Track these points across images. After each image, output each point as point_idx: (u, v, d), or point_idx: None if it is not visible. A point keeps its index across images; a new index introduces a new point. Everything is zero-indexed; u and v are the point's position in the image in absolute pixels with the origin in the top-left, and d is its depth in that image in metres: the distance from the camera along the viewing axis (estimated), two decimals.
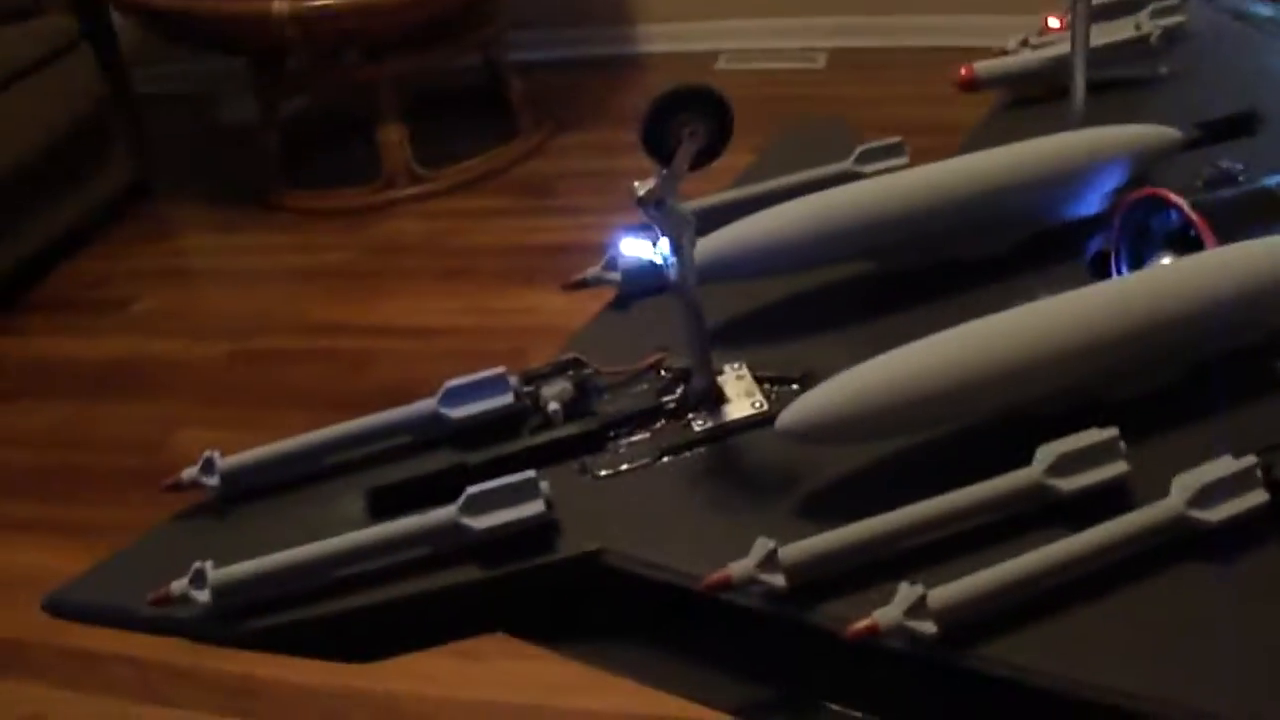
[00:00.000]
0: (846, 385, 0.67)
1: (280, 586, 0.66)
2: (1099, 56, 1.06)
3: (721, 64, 3.38)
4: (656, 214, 0.68)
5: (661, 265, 0.72)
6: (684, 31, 3.46)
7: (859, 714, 0.67)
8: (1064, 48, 1.06)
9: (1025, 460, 0.66)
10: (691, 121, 0.68)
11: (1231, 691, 0.57)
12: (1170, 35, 1.16)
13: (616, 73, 3.44)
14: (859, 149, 1.00)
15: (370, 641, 0.71)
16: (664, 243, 0.70)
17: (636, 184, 0.68)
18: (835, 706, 0.67)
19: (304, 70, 2.89)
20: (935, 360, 0.68)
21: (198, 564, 0.65)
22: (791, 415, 0.67)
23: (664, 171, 0.68)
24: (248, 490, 0.75)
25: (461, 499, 0.67)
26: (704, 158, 0.69)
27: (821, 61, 3.33)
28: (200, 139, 3.46)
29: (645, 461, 0.73)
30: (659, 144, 0.68)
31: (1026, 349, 0.69)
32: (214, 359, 2.43)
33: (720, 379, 0.78)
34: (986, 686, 0.60)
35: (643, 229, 0.75)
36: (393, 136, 2.83)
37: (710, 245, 0.81)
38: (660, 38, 3.48)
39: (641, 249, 0.75)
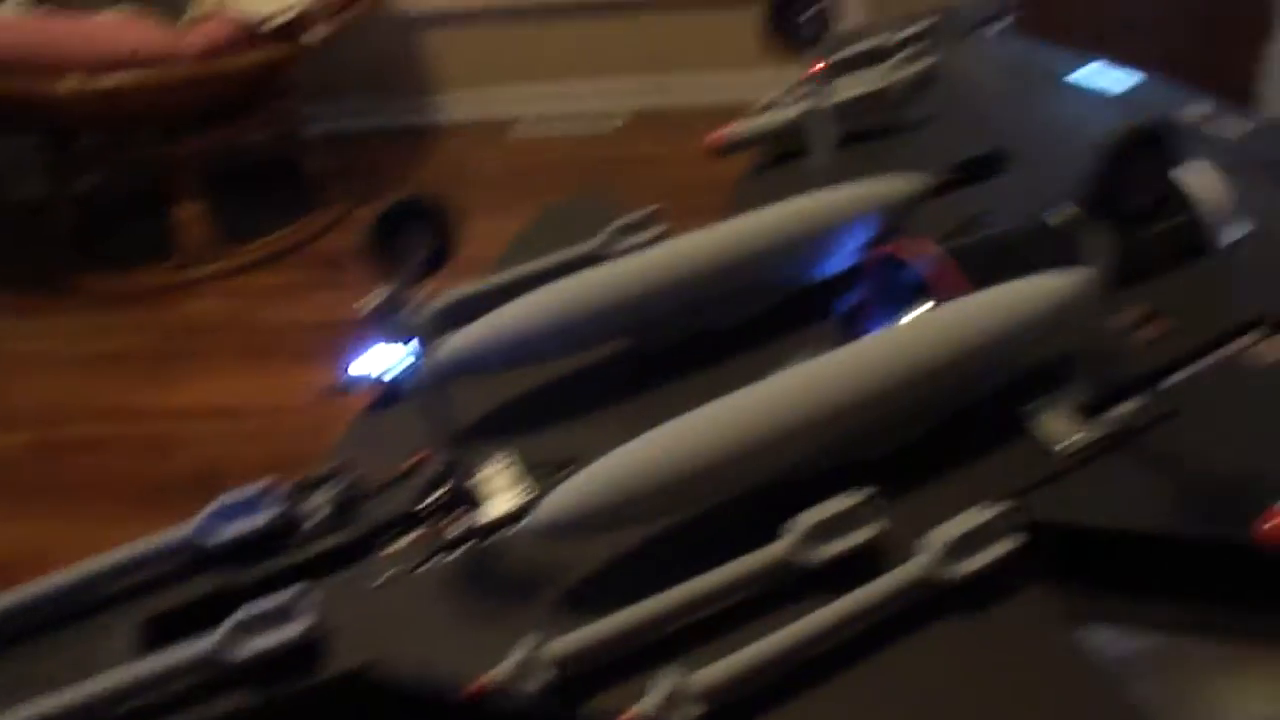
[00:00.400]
0: (595, 478, 0.68)
1: None
2: (846, 109, 1.09)
3: (519, 131, 3.40)
4: (388, 327, 0.69)
5: (410, 367, 0.73)
6: (481, 98, 3.47)
7: None
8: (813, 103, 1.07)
9: (781, 531, 0.67)
10: (417, 232, 0.69)
11: None
12: (920, 79, 1.19)
13: (415, 142, 3.43)
14: (613, 225, 1.00)
15: None
16: (397, 350, 0.71)
17: (358, 304, 0.69)
18: None
19: (95, 148, 2.81)
20: (682, 445, 0.69)
21: None
22: (540, 516, 0.68)
23: (389, 287, 0.69)
24: (13, 631, 0.72)
25: (224, 626, 0.66)
26: (433, 265, 0.71)
27: (621, 123, 3.38)
28: None
29: (411, 567, 0.74)
30: (386, 257, 0.69)
31: (777, 422, 0.71)
32: (13, 450, 2.34)
33: (488, 472, 0.78)
34: None
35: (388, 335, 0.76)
36: (190, 213, 2.76)
37: (462, 340, 0.82)
38: (458, 105, 3.49)
39: (390, 355, 0.75)
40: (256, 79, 2.73)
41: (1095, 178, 0.68)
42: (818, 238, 0.92)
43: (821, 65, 1.00)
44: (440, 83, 3.50)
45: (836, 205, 0.93)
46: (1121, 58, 1.24)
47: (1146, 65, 1.21)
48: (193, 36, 2.54)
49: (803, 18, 0.97)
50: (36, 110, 2.59)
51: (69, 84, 2.45)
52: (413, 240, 0.68)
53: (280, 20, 2.56)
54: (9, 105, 2.57)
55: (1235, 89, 1.99)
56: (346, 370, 0.86)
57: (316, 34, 2.61)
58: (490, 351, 0.84)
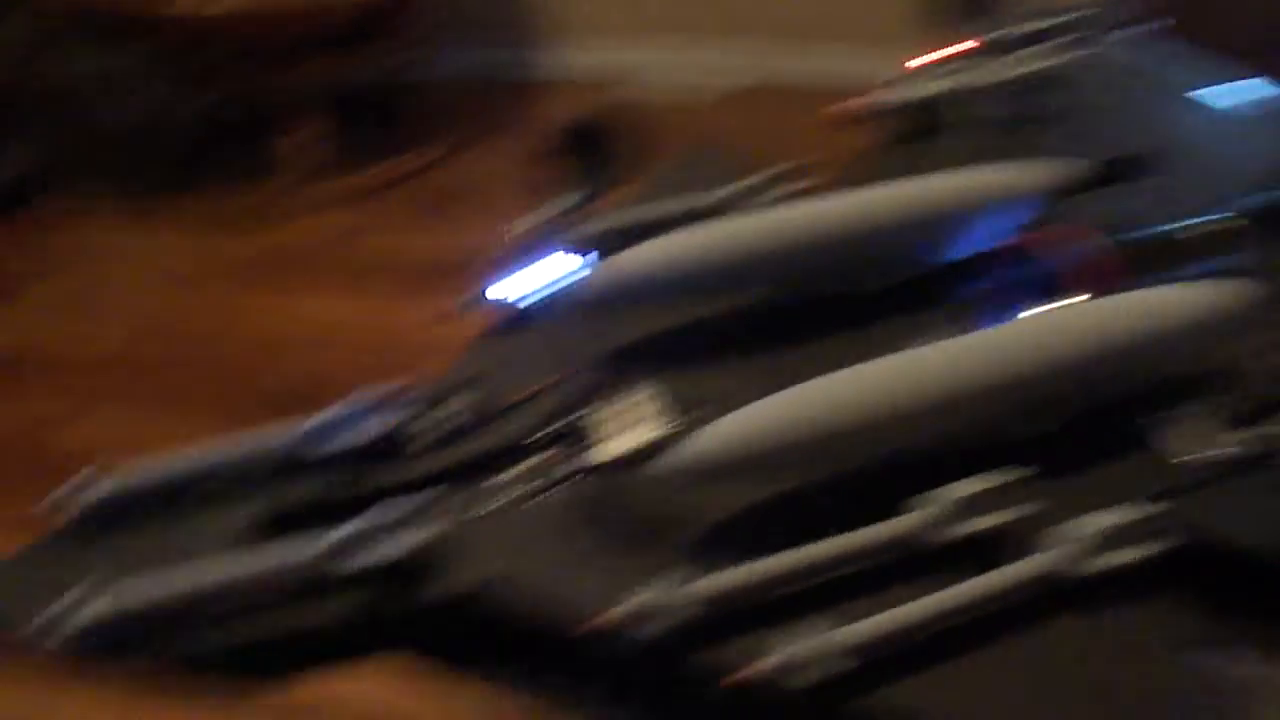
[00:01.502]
0: (734, 426, 0.67)
1: (175, 612, 0.64)
2: (1001, 90, 1.07)
3: (627, 91, 3.37)
4: (573, 234, 0.68)
5: (561, 291, 0.72)
6: (593, 53, 3.46)
7: None
8: (947, 83, 1.06)
9: (919, 504, 0.66)
10: (601, 149, 0.68)
11: None
12: (1073, 70, 1.15)
13: (523, 92, 3.43)
14: (766, 172, 0.98)
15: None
16: (572, 261, 0.70)
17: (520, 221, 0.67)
18: None
19: (208, 70, 2.85)
20: (823, 405, 0.68)
21: (85, 584, 0.63)
22: (685, 454, 0.67)
23: (563, 199, 0.68)
24: (134, 507, 0.72)
25: (335, 534, 0.65)
26: (602, 187, 0.69)
27: (734, 91, 3.34)
28: (106, 134, 3.37)
29: (531, 493, 0.72)
30: (571, 167, 0.68)
31: (926, 391, 0.69)
32: (112, 352, 2.37)
33: (616, 407, 0.76)
34: None
35: (540, 251, 0.74)
36: (298, 139, 2.79)
37: (627, 262, 0.80)
38: (570, 58, 3.48)
39: (559, 266, 0.74)
40: (370, 13, 2.75)
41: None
42: (974, 210, 0.89)
43: (975, 44, 0.97)
44: (553, 35, 3.49)
45: (996, 181, 0.91)
46: None
47: None
48: None
49: None
50: (151, 30, 2.63)
51: (184, 4, 2.47)
52: (596, 156, 0.67)
53: None
54: (126, 23, 2.62)
55: None
56: (484, 291, 0.84)
57: None
58: (653, 278, 0.82)
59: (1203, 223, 0.84)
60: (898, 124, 1.15)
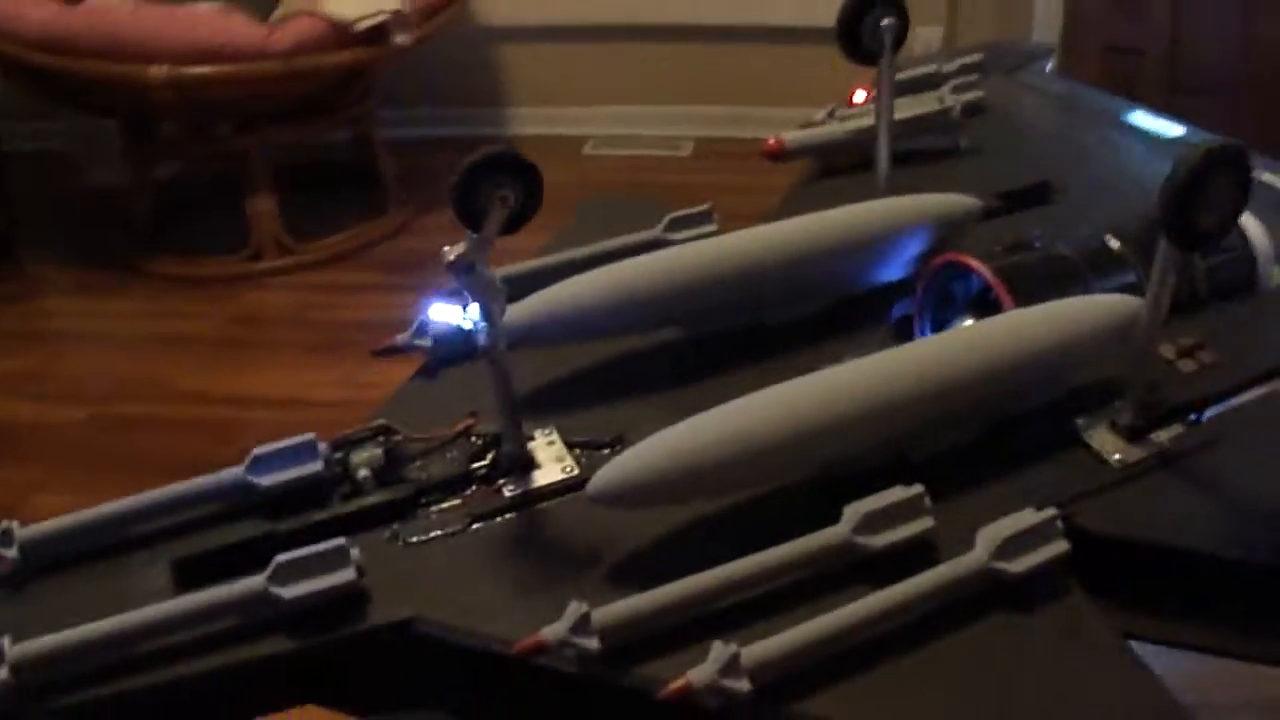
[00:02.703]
0: (656, 449, 0.68)
1: (83, 661, 0.64)
2: (902, 129, 1.11)
3: (589, 149, 3.43)
4: (466, 279, 0.69)
5: (471, 330, 0.72)
6: (554, 115, 3.50)
7: None
8: (869, 120, 1.09)
9: (833, 519, 0.67)
10: (502, 187, 0.69)
11: None
12: (970, 109, 1.21)
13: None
14: (667, 217, 1.01)
15: (176, 715, 0.68)
16: (474, 307, 0.70)
17: (446, 248, 0.68)
18: None
19: (177, 137, 2.85)
20: (744, 423, 0.69)
21: None
22: (602, 479, 0.68)
23: (474, 236, 0.68)
24: (49, 562, 0.72)
25: (270, 568, 0.65)
26: (515, 223, 0.70)
27: (688, 149, 3.41)
28: (67, 200, 3.39)
29: (456, 528, 0.73)
30: (471, 209, 0.68)
31: (832, 410, 0.71)
32: (73, 424, 2.36)
33: (531, 445, 0.78)
34: None
35: (453, 294, 0.75)
36: (263, 207, 2.80)
37: (519, 311, 0.82)
38: (530, 120, 3.52)
39: (450, 314, 0.75)
40: (340, 80, 2.76)
41: (1171, 196, 0.67)
42: (872, 244, 0.92)
43: (882, 85, 1.02)
44: (515, 97, 3.53)
45: (894, 213, 0.93)
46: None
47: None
48: (282, 34, 2.58)
49: (877, 25, 0.99)
50: (125, 95, 2.64)
51: (158, 72, 2.50)
52: (497, 194, 0.68)
53: (370, 23, 2.58)
54: (100, 89, 2.63)
55: None
56: (412, 331, 0.86)
57: (404, 39, 2.63)
58: (549, 324, 0.83)
59: (1091, 245, 0.87)
60: (821, 162, 1.19)
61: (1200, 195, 0.67)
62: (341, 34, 2.59)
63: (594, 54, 3.44)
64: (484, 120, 3.53)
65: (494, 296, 0.70)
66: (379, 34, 2.61)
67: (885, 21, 0.98)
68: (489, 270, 0.69)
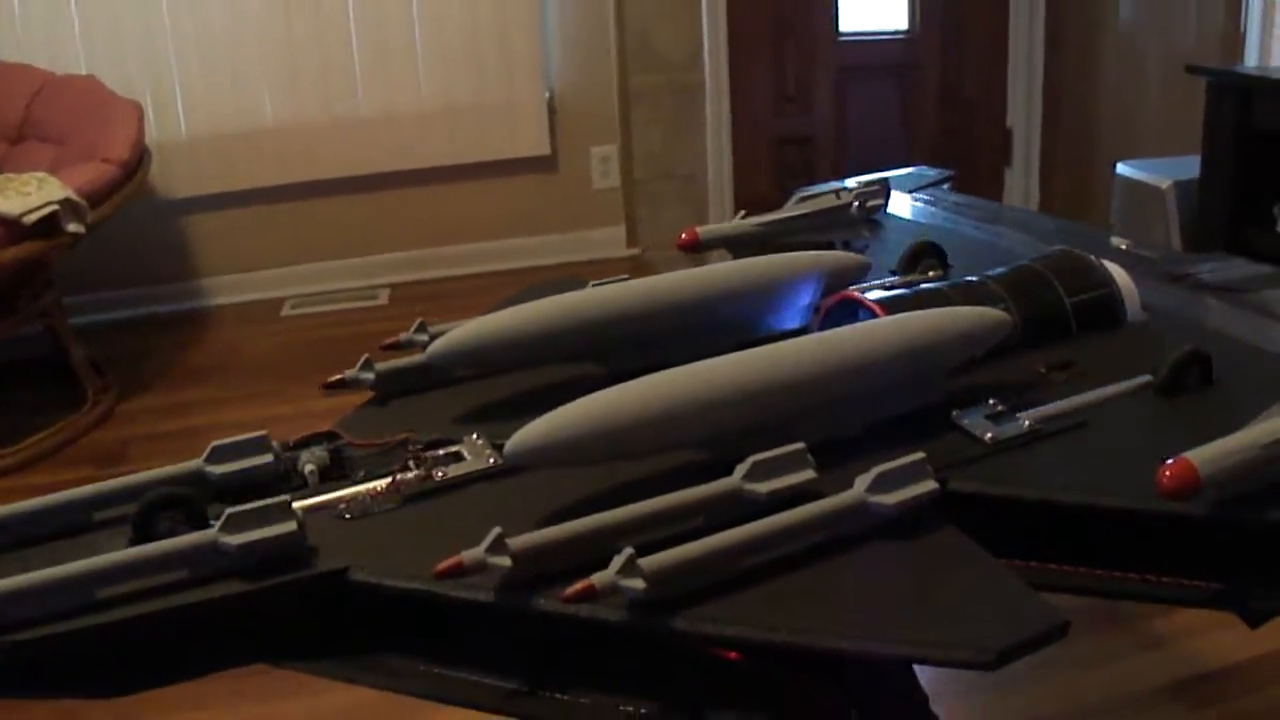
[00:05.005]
0: (562, 414, 0.77)
1: (40, 603, 0.69)
2: (807, 223, 1.28)
3: (288, 309, 3.47)
4: None
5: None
6: (249, 281, 3.55)
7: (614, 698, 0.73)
8: (776, 214, 1.26)
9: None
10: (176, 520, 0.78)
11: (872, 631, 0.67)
12: (870, 213, 1.39)
13: (184, 329, 3.42)
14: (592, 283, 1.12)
15: (129, 668, 0.73)
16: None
17: None
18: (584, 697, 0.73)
19: None
20: (642, 392, 0.79)
21: None
22: (518, 440, 0.77)
23: None
24: (13, 542, 0.78)
25: (222, 518, 0.72)
26: None
27: (384, 297, 3.48)
28: None
29: (391, 507, 0.81)
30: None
31: (719, 385, 0.80)
32: None
33: (459, 446, 0.87)
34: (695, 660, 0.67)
35: None
36: None
37: (450, 337, 0.94)
38: (226, 289, 3.55)
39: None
40: (18, 275, 2.64)
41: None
42: (772, 288, 1.03)
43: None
44: (209, 266, 3.56)
45: (789, 263, 1.06)
46: None
47: None
48: None
49: None
50: None
51: None
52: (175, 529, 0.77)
53: (39, 214, 2.49)
54: None
55: None
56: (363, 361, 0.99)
57: (77, 226, 2.55)
58: (480, 347, 0.94)
59: (967, 282, 1.02)
60: (733, 251, 1.30)
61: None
62: (11, 229, 2.48)
63: (282, 215, 3.49)
64: (179, 296, 3.54)
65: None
66: (51, 224, 2.52)
67: None
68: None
